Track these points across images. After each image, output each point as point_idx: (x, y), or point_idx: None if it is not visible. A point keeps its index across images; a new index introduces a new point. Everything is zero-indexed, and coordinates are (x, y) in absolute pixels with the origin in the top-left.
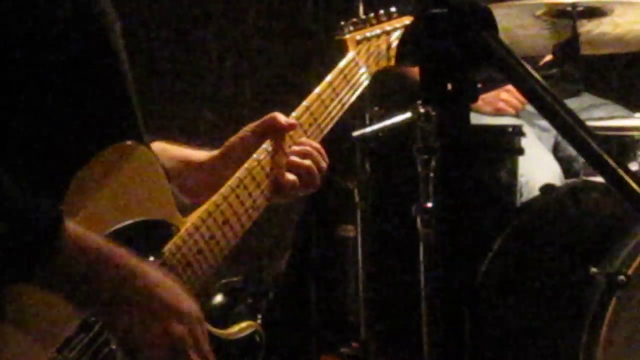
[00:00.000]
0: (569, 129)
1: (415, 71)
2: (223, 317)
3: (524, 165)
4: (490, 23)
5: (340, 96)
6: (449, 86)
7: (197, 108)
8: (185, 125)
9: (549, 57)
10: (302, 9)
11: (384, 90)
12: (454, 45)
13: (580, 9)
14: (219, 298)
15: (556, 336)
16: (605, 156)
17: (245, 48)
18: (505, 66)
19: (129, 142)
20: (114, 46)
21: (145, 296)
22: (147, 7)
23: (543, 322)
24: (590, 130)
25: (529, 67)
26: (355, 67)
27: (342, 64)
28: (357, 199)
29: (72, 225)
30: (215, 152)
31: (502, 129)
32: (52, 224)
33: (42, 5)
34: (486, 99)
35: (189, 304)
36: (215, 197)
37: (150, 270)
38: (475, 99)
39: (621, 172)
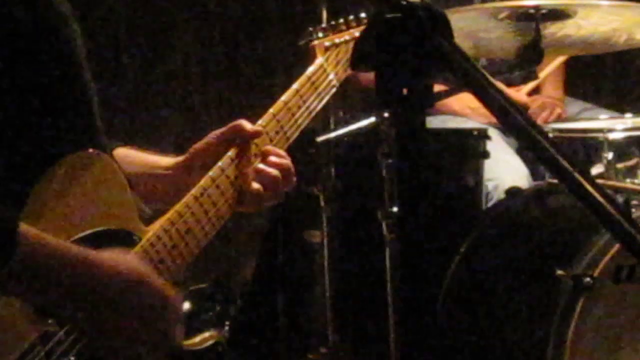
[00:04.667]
0: (524, 132)
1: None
2: (190, 324)
3: (492, 169)
4: (445, 27)
5: (307, 103)
6: (404, 91)
7: (163, 115)
8: (151, 131)
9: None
10: (267, 15)
11: (348, 95)
12: (409, 50)
13: (544, 11)
14: (186, 305)
15: (524, 339)
16: (561, 160)
17: (210, 55)
18: (460, 70)
19: (90, 151)
20: (75, 53)
21: (106, 293)
22: (114, 13)
23: (510, 325)
24: (545, 133)
25: (485, 71)
26: (323, 74)
27: (309, 70)
28: (322, 204)
29: (27, 228)
30: (179, 159)
31: (467, 132)
32: (8, 228)
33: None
34: (478, 110)
35: (155, 296)
36: (178, 206)
37: (113, 267)
38: (431, 104)
39: (577, 175)
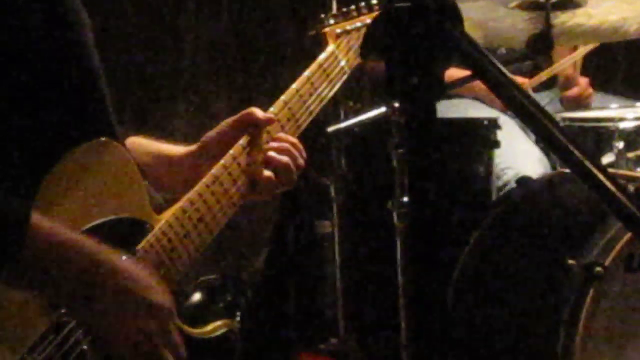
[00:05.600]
0: (536, 120)
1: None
2: (201, 315)
3: (510, 158)
4: (455, 17)
5: (319, 90)
6: (415, 80)
7: (173, 105)
8: (160, 122)
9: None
10: (277, 4)
11: (359, 85)
12: (419, 40)
13: (554, 0)
14: (197, 296)
15: (534, 328)
16: (572, 148)
17: (220, 44)
18: (470, 59)
19: (102, 139)
20: (85, 43)
21: (115, 290)
22: (122, 4)
23: (521, 315)
24: (557, 122)
25: (494, 59)
26: (334, 61)
27: (321, 58)
28: (333, 194)
29: (39, 218)
30: (191, 147)
31: (477, 122)
32: (19, 220)
33: (11, 4)
34: None
35: (159, 297)
36: (190, 194)
37: (121, 263)
38: (441, 93)
39: (588, 164)
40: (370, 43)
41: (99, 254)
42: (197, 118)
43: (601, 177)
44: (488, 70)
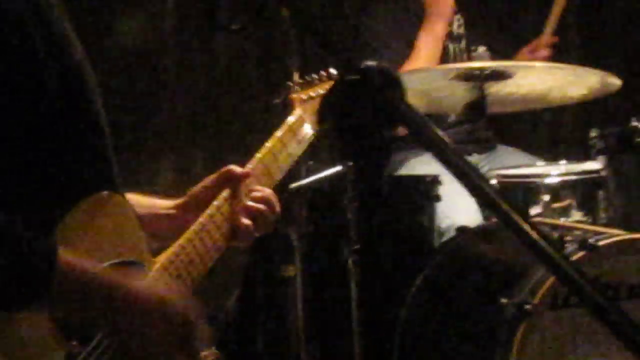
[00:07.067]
0: (469, 178)
1: None
2: None
3: (447, 210)
4: (398, 87)
5: (288, 149)
6: (364, 143)
7: (156, 165)
8: (145, 181)
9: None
10: (246, 73)
11: (317, 147)
12: (367, 108)
13: (487, 72)
14: None
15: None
16: (501, 203)
17: (196, 111)
18: (412, 124)
19: (104, 193)
20: (92, 97)
21: (135, 306)
22: (101, 56)
23: (461, 349)
24: (486, 179)
25: (432, 124)
26: (301, 124)
27: (289, 120)
28: (295, 242)
29: (64, 253)
30: (179, 201)
31: (420, 178)
32: (48, 255)
33: (21, 56)
34: None
35: (174, 307)
36: (182, 240)
37: (135, 286)
38: (388, 155)
39: (515, 217)
40: (326, 110)
41: (118, 279)
42: (177, 177)
43: (526, 227)
44: (426, 132)
